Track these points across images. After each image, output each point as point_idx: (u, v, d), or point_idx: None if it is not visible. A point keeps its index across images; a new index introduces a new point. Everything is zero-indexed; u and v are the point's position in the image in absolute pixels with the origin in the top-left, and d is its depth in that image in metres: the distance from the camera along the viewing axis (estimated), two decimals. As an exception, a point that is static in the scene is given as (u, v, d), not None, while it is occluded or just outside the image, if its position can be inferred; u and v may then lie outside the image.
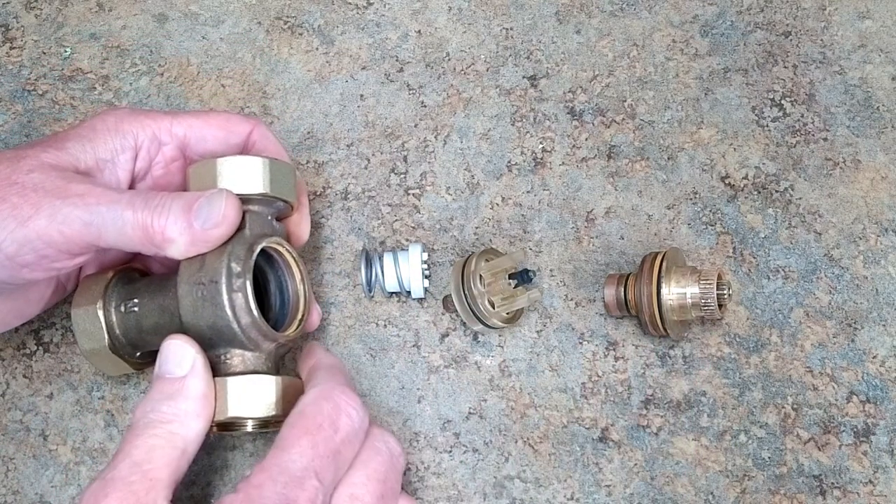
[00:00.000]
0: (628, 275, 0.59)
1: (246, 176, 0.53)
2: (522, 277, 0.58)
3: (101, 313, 0.54)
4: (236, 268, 0.50)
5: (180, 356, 0.49)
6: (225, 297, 0.50)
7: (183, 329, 0.52)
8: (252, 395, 0.50)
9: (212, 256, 0.51)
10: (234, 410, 0.50)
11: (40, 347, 0.62)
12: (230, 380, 0.50)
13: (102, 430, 0.60)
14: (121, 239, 0.49)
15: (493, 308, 0.57)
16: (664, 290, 0.57)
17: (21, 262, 0.49)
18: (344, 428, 0.47)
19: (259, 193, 0.53)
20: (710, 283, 0.56)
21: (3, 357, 0.61)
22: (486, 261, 0.58)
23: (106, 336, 0.54)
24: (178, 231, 0.49)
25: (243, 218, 0.52)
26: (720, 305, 0.57)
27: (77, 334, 0.54)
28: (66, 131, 0.53)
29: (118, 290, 0.55)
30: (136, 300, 0.54)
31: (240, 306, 0.50)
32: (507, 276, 0.58)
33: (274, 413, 0.51)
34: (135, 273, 0.57)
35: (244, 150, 0.57)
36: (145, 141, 0.54)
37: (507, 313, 0.59)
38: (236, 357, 0.51)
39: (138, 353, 0.56)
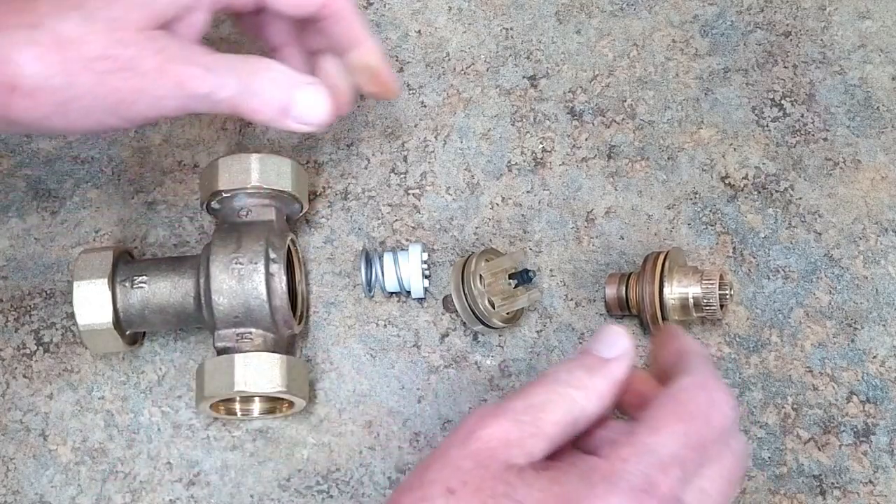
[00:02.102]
0: (629, 274, 0.59)
1: (277, 173, 0.57)
2: (522, 277, 0.58)
3: (108, 287, 0.56)
4: (272, 254, 0.55)
5: (614, 342, 0.47)
6: (263, 278, 0.54)
7: (197, 306, 0.56)
8: (259, 371, 0.54)
9: (248, 240, 0.55)
10: (240, 385, 0.54)
11: (40, 347, 0.61)
12: (237, 356, 0.54)
13: (102, 430, 0.60)
14: (212, 109, 0.51)
15: (493, 308, 0.57)
16: (666, 290, 0.57)
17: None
18: (716, 423, 0.44)
19: (287, 192, 0.57)
20: (712, 284, 0.56)
21: (3, 357, 0.61)
22: (486, 261, 0.58)
23: (111, 310, 0.56)
24: (268, 119, 0.52)
25: (274, 212, 0.57)
26: (721, 306, 0.57)
27: (79, 308, 0.56)
28: None
29: (123, 266, 0.57)
30: (145, 276, 0.56)
31: (274, 289, 0.55)
32: (507, 276, 0.58)
33: (279, 388, 0.54)
34: (128, 253, 0.60)
35: (315, 17, 0.55)
36: None
37: (507, 313, 0.59)
38: (258, 337, 0.55)
39: (128, 332, 0.58)
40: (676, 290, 0.57)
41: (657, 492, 0.41)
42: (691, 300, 0.57)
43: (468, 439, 0.42)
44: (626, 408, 0.46)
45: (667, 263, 0.57)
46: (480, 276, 0.58)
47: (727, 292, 0.57)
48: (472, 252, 0.60)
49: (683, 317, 0.57)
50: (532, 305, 0.61)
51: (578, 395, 0.44)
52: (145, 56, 0.48)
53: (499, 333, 0.61)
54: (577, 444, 0.44)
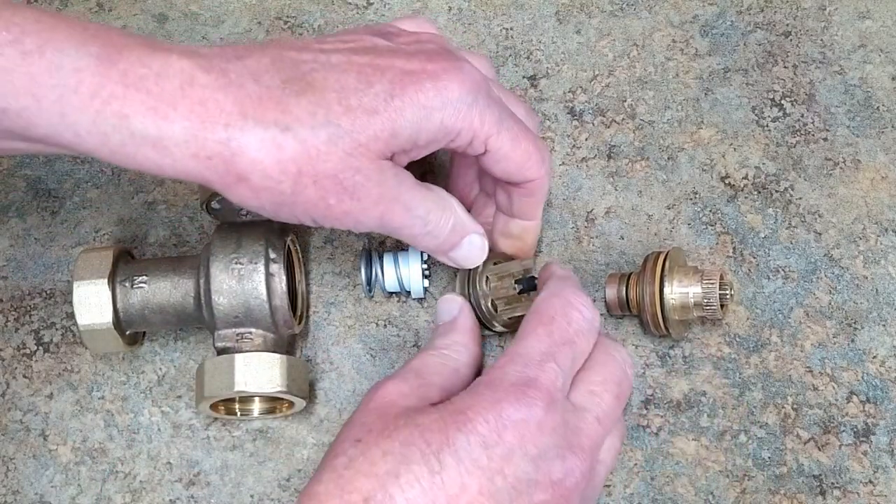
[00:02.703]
0: (629, 274, 0.59)
1: None
2: (528, 284, 0.58)
3: (108, 287, 0.56)
4: (272, 254, 0.55)
5: (449, 307, 0.56)
6: (263, 278, 0.55)
7: (197, 306, 0.56)
8: (259, 371, 0.54)
9: (248, 240, 0.55)
10: (240, 385, 0.54)
11: (40, 347, 0.61)
12: (237, 356, 0.54)
13: (102, 430, 0.60)
14: (385, 232, 0.52)
15: (496, 312, 0.57)
16: (666, 290, 0.57)
17: None
18: (576, 320, 0.50)
19: None
20: (712, 283, 0.56)
21: (3, 357, 0.61)
22: (495, 263, 0.58)
23: (111, 310, 0.56)
24: (428, 250, 0.55)
25: None
26: (722, 306, 0.57)
27: (79, 308, 0.56)
28: (415, 92, 0.48)
29: (123, 266, 0.57)
30: (145, 276, 0.56)
31: (274, 289, 0.55)
32: (513, 281, 0.58)
33: (279, 388, 0.54)
34: (128, 253, 0.60)
35: (514, 185, 0.55)
36: (456, 144, 0.51)
37: (509, 318, 0.58)
38: (258, 337, 0.55)
39: (128, 332, 0.58)
40: (676, 290, 0.57)
41: (539, 384, 0.47)
42: (691, 300, 0.57)
43: (368, 402, 0.49)
44: None
45: (667, 263, 0.57)
46: (487, 277, 0.57)
47: (727, 292, 0.57)
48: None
49: (683, 317, 0.57)
50: (532, 306, 0.61)
51: (447, 351, 0.53)
52: (369, 187, 0.48)
53: (499, 335, 0.61)
54: None
